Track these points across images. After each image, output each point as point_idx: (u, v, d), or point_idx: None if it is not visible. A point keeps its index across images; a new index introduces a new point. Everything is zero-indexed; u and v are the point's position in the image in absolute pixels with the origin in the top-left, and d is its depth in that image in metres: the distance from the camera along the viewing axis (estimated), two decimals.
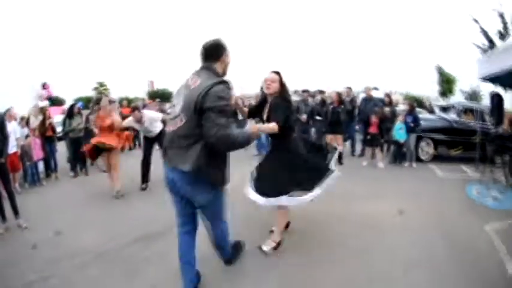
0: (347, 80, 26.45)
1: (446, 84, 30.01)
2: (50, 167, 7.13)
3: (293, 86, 9.91)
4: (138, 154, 7.02)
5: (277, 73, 3.19)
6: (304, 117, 8.03)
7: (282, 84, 3.18)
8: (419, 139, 8.06)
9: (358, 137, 9.30)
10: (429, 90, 32.22)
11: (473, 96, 24.83)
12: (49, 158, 7.08)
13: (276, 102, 3.11)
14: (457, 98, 25.29)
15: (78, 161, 7.44)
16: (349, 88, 9.15)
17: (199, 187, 2.35)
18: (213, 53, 2.42)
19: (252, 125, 2.59)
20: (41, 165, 6.89)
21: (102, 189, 5.85)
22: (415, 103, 8.76)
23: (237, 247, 3.21)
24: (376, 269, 3.05)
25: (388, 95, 8.95)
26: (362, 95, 9.55)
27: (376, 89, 18.41)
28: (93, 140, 5.41)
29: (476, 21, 18.79)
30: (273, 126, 2.92)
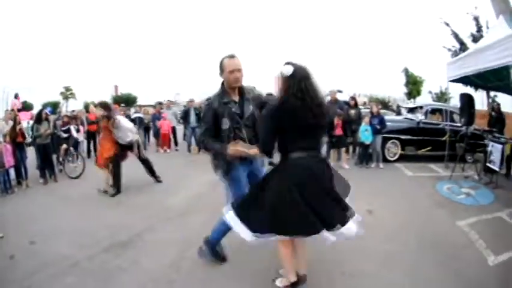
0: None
1: (413, 85, 31.20)
2: (21, 174, 6.91)
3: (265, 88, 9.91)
4: None
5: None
6: None
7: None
8: (386, 140, 8.27)
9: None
10: (396, 92, 33.52)
11: (441, 97, 25.85)
12: (19, 165, 6.86)
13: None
14: (425, 99, 26.25)
15: (48, 167, 7.30)
16: None
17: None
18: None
19: (230, 145, 2.52)
20: (12, 173, 6.69)
21: (71, 196, 5.85)
22: (380, 105, 8.99)
23: (216, 252, 3.11)
24: (349, 266, 3.10)
25: (353, 98, 9.19)
26: (327, 98, 9.78)
27: (340, 91, 18.71)
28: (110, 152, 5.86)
29: (447, 24, 19.42)
30: (253, 151, 2.48)
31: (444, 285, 2.83)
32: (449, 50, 19.26)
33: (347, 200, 2.43)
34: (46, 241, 3.97)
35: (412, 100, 26.74)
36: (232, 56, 2.65)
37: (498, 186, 5.89)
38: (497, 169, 6.01)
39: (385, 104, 24.37)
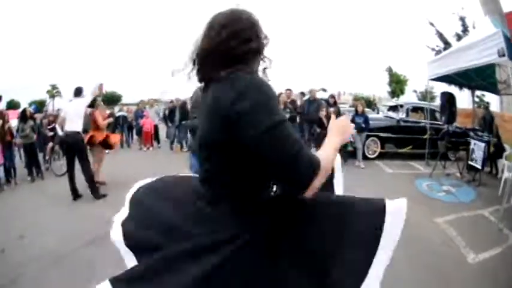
0: (295, 82, 27.13)
1: (397, 84, 31.56)
2: (10, 173, 6.97)
3: None
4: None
5: None
6: None
7: None
8: (365, 138, 8.30)
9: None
10: (380, 90, 33.91)
11: (426, 96, 26.23)
12: (9, 164, 6.93)
13: None
14: (409, 98, 26.56)
15: (34, 165, 7.36)
16: (290, 90, 9.40)
17: None
18: None
19: None
20: (0, 171, 6.74)
21: (57, 193, 5.92)
22: (364, 103, 9.09)
23: None
24: None
25: (332, 96, 9.24)
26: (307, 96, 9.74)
27: (324, 90, 18.77)
28: (100, 136, 6.03)
29: (432, 24, 19.53)
30: None
31: (416, 278, 2.88)
32: (433, 49, 19.40)
33: None
34: (34, 236, 4.09)
35: (395, 99, 27.03)
36: None
37: (481, 184, 5.91)
38: (479, 167, 5.99)
39: (369, 103, 24.76)
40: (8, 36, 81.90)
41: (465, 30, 18.19)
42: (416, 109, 9.78)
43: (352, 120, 7.69)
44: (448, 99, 6.88)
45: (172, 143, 10.94)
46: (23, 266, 3.31)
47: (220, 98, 1.03)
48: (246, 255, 1.08)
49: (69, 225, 4.32)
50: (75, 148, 5.36)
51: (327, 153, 1.11)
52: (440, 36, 19.39)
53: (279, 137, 0.98)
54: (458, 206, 4.76)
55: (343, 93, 29.66)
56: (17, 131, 7.36)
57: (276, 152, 0.98)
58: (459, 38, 17.75)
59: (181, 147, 10.46)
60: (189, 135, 9.80)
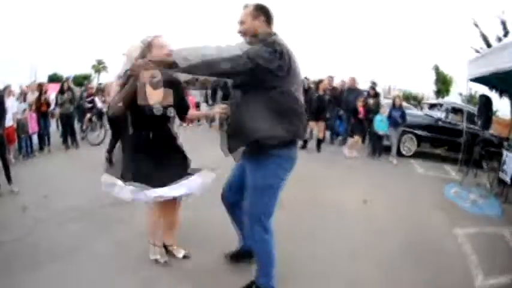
0: (350, 72, 26.80)
1: (443, 84, 30.12)
2: (44, 141, 7.41)
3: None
4: None
5: None
6: None
7: None
8: (402, 134, 8.02)
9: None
10: (427, 89, 32.46)
11: (471, 100, 24.83)
12: (43, 132, 7.35)
13: None
14: (454, 100, 25.35)
15: (70, 135, 7.74)
16: (331, 77, 9.28)
17: None
18: None
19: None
20: (35, 139, 7.18)
21: (88, 161, 6.15)
22: (412, 100, 8.72)
23: None
24: (321, 249, 3.11)
25: (372, 87, 8.81)
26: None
27: (374, 83, 18.36)
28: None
29: (476, 25, 18.55)
30: None
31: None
32: (477, 51, 18.44)
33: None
34: (59, 196, 4.31)
35: (439, 98, 25.83)
36: None
37: (508, 200, 5.34)
38: (508, 181, 5.39)
39: (419, 101, 23.76)
40: (55, 12, 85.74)
41: (506, 34, 17.30)
42: (456, 110, 9.22)
43: (389, 114, 7.54)
44: (485, 103, 6.49)
45: (212, 121, 10.92)
46: (41, 222, 3.52)
47: None
48: None
49: (93, 190, 4.41)
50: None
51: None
52: (484, 38, 18.38)
53: None
54: (480, 220, 4.43)
55: (393, 88, 28.65)
56: (56, 103, 7.75)
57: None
58: (500, 41, 16.86)
59: (221, 126, 10.35)
60: None
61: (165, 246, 2.78)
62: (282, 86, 2.01)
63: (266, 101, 2.01)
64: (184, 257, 2.76)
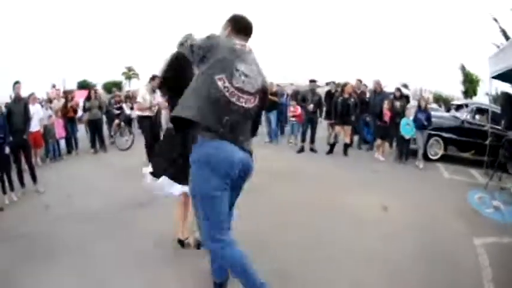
0: (378, 75, 26.33)
1: (470, 84, 28.88)
2: (71, 145, 7.82)
3: (329, 77, 9.97)
4: None
5: None
6: (311, 106, 7.92)
7: None
8: (428, 137, 7.71)
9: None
10: (456, 89, 31.25)
11: (497, 98, 23.60)
12: (70, 137, 7.77)
13: None
14: (481, 99, 24.23)
15: (98, 140, 8.06)
16: (359, 80, 9.12)
17: None
18: (251, 34, 2.23)
19: None
20: (62, 143, 7.61)
21: (115, 165, 6.47)
22: (441, 102, 8.34)
23: None
24: (330, 254, 3.07)
25: (398, 89, 8.54)
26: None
27: (405, 86, 17.93)
28: None
29: (495, 20, 17.84)
30: None
31: None
32: (498, 47, 17.61)
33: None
34: (81, 197, 4.59)
35: (467, 99, 24.74)
36: None
37: None
38: None
39: (446, 102, 22.93)
40: (84, 19, 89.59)
41: None
42: (482, 111, 8.77)
43: (415, 117, 7.33)
44: (507, 100, 6.16)
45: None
46: (60, 219, 3.77)
47: None
48: None
49: (117, 192, 4.73)
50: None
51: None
52: (504, 33, 17.61)
53: None
54: (501, 228, 4.13)
55: (424, 90, 27.87)
56: (83, 109, 8.16)
57: None
58: None
59: None
60: None
61: (180, 242, 3.03)
62: None
63: None
64: (199, 245, 2.93)
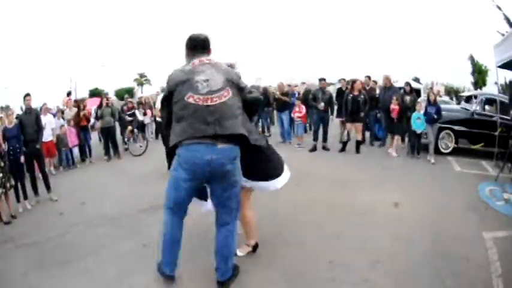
0: (390, 70, 26.10)
1: (479, 74, 28.28)
2: (85, 153, 7.98)
3: (340, 74, 9.91)
4: None
5: None
6: (322, 105, 7.85)
7: None
8: (439, 130, 7.60)
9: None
10: (466, 81, 30.62)
11: (506, 87, 22.97)
12: (83, 145, 7.92)
13: None
14: (490, 89, 23.65)
15: (112, 147, 8.13)
16: (368, 77, 9.05)
17: (238, 165, 2.50)
18: (208, 45, 2.60)
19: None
20: (76, 151, 7.77)
21: (128, 171, 6.58)
22: (453, 94, 8.17)
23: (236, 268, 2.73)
24: (342, 255, 3.07)
25: (408, 83, 8.45)
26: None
27: (417, 80, 17.61)
28: None
29: (499, 7, 17.64)
30: None
31: None
32: (503, 35, 17.19)
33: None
34: (94, 203, 4.71)
35: (477, 89, 24.19)
36: None
37: None
38: None
39: (457, 94, 22.55)
40: (96, 27, 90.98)
41: None
42: (491, 101, 8.61)
43: (425, 110, 7.25)
44: None
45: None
46: (74, 225, 3.90)
47: None
48: None
49: (131, 198, 4.83)
50: None
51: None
52: (508, 20, 17.36)
53: None
54: (511, 222, 4.10)
55: (435, 83, 27.46)
56: (96, 116, 8.31)
57: None
58: None
59: (263, 131, 10.11)
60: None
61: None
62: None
63: None
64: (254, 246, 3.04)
